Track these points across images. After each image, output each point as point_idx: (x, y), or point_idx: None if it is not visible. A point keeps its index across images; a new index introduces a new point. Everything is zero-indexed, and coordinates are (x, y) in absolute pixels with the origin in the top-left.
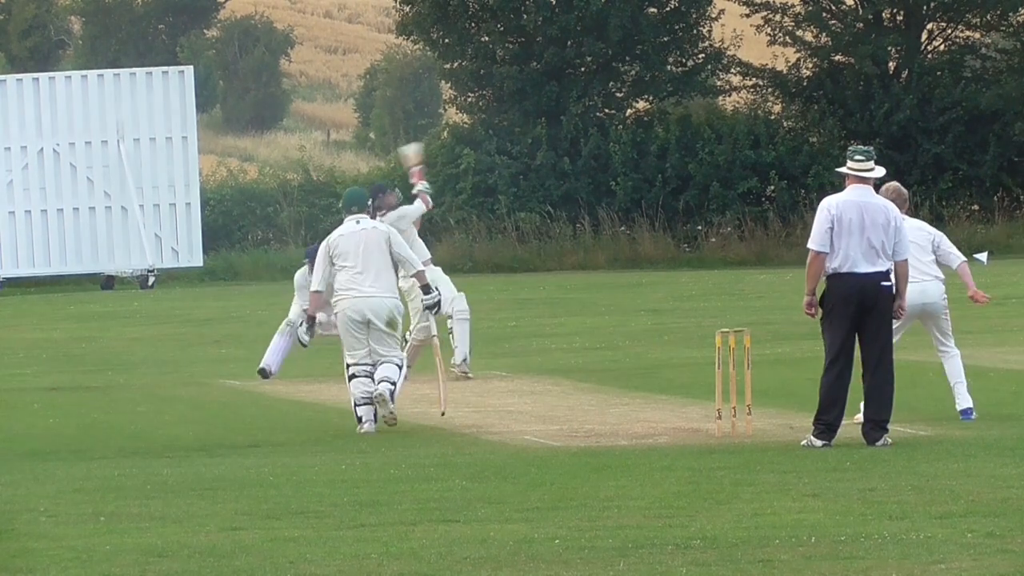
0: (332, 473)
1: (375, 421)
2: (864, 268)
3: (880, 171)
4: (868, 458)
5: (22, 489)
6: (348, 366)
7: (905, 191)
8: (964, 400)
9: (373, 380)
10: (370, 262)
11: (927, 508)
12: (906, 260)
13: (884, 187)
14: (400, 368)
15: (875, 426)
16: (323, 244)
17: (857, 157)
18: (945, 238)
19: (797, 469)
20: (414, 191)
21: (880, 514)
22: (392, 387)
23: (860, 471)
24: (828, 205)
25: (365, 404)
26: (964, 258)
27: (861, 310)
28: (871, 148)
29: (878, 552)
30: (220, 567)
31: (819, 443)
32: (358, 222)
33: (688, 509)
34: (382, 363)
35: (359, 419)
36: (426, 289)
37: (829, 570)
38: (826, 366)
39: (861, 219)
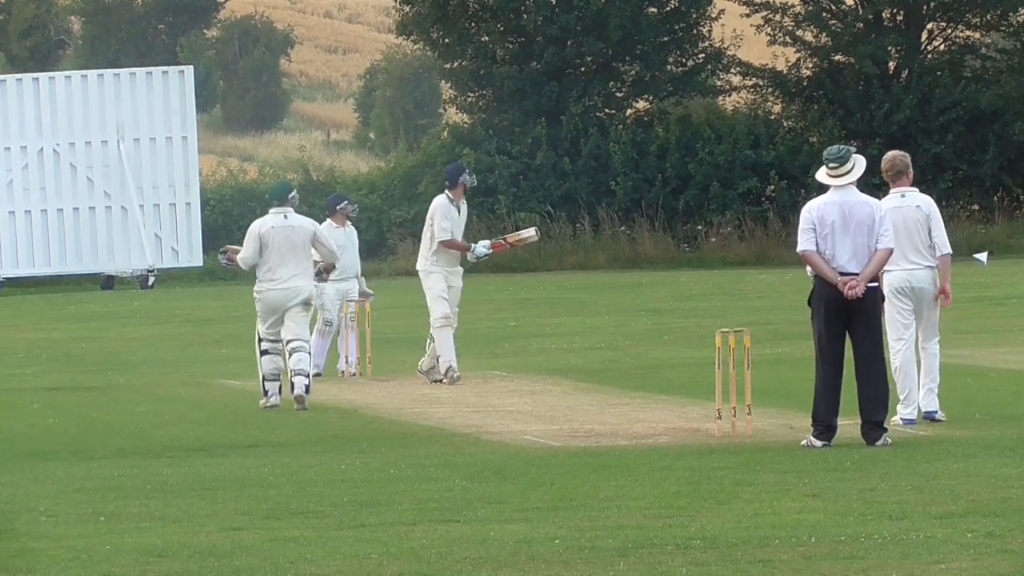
0: (332, 473)
1: (280, 394)
2: (852, 269)
3: (857, 172)
4: (868, 458)
5: (22, 489)
6: (260, 340)
7: (900, 160)
8: (932, 403)
9: (282, 358)
10: (291, 256)
11: (927, 508)
12: (889, 250)
13: (890, 168)
14: (310, 354)
15: (873, 426)
16: (253, 227)
17: (831, 164)
18: (938, 222)
19: (797, 469)
20: (483, 247)
21: (880, 514)
22: (307, 381)
23: (860, 471)
24: (809, 208)
25: (272, 380)
26: (949, 251)
27: (849, 311)
28: (844, 149)
29: (878, 552)
30: (220, 567)
31: (819, 443)
32: (286, 217)
33: (688, 509)
34: (295, 351)
35: (265, 392)
36: (331, 269)
37: (829, 570)
38: (817, 367)
39: (844, 220)
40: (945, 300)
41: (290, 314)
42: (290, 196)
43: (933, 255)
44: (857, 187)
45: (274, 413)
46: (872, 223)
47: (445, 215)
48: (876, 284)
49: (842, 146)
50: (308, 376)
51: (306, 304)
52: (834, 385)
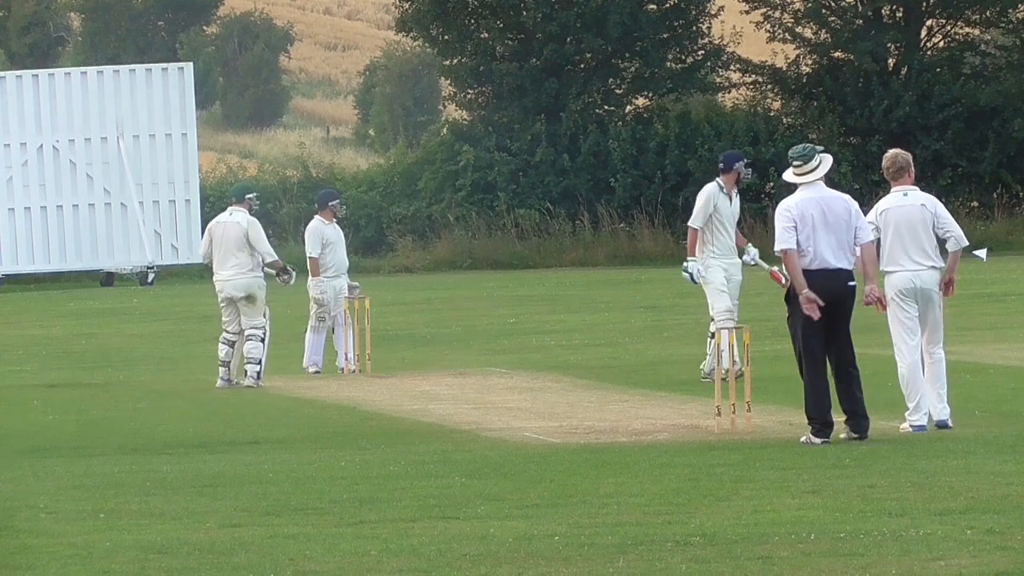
0: (331, 469)
1: (226, 380)
2: (835, 264)
3: (824, 167)
4: (868, 455)
5: (22, 486)
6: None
7: (901, 158)
8: (943, 411)
9: (232, 348)
10: (229, 249)
11: (926, 505)
12: (872, 242)
13: (891, 165)
14: (262, 341)
15: (859, 417)
16: (209, 224)
17: (796, 163)
18: (948, 216)
19: (797, 466)
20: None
21: (879, 511)
22: (258, 368)
23: (860, 468)
24: (787, 206)
25: (221, 365)
26: (960, 246)
27: (830, 309)
28: (808, 147)
29: (878, 549)
30: (220, 564)
31: (818, 441)
32: (231, 213)
33: (687, 506)
34: (248, 339)
35: (219, 374)
36: (283, 271)
37: (828, 567)
38: (806, 366)
39: (823, 214)
40: (948, 290)
41: (240, 307)
42: (247, 197)
43: (938, 255)
44: (825, 184)
45: (274, 410)
46: (848, 217)
47: (708, 201)
48: (855, 283)
49: (806, 144)
50: (259, 363)
51: (248, 298)
52: (823, 382)
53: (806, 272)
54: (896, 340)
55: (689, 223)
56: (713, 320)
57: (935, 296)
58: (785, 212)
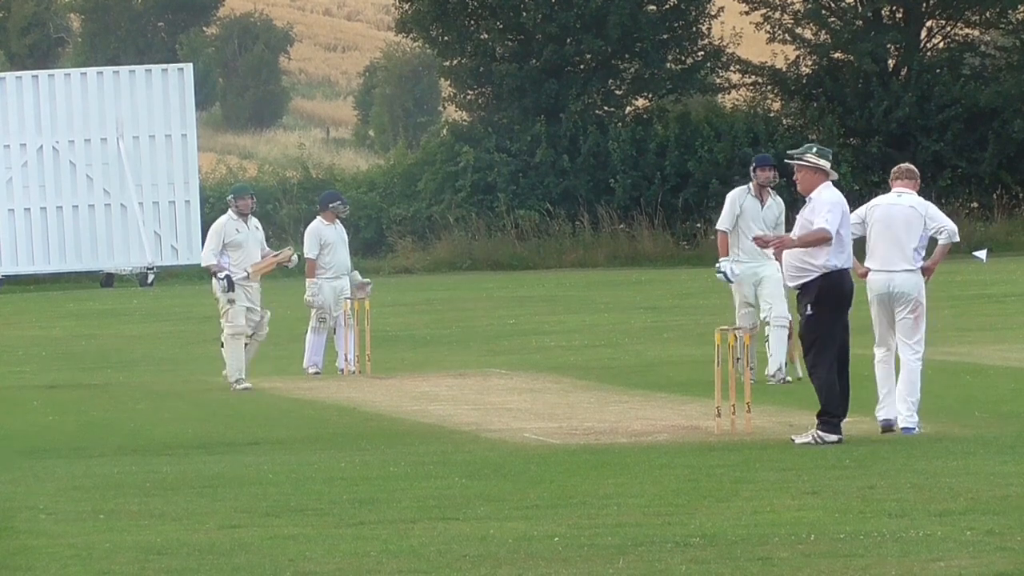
0: (331, 470)
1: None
2: (851, 263)
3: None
4: (867, 456)
5: (22, 487)
6: None
7: (912, 166)
8: (910, 419)
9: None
10: None
11: (926, 506)
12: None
13: (897, 169)
14: (223, 346)
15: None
16: None
17: (831, 158)
18: (939, 214)
19: (796, 467)
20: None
21: (879, 512)
22: (225, 370)
23: (860, 469)
24: (837, 200)
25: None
26: (952, 241)
27: (848, 303)
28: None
29: (877, 550)
30: (219, 565)
31: (833, 438)
32: None
33: (687, 507)
34: None
35: None
36: (215, 275)
37: (828, 568)
38: (826, 364)
39: (847, 216)
40: (926, 275)
41: None
42: (227, 199)
43: (919, 258)
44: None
45: (274, 411)
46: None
47: (732, 204)
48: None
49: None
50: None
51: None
52: (837, 378)
53: (841, 272)
54: (876, 341)
55: (718, 227)
56: (769, 324)
57: (912, 299)
58: (839, 204)
